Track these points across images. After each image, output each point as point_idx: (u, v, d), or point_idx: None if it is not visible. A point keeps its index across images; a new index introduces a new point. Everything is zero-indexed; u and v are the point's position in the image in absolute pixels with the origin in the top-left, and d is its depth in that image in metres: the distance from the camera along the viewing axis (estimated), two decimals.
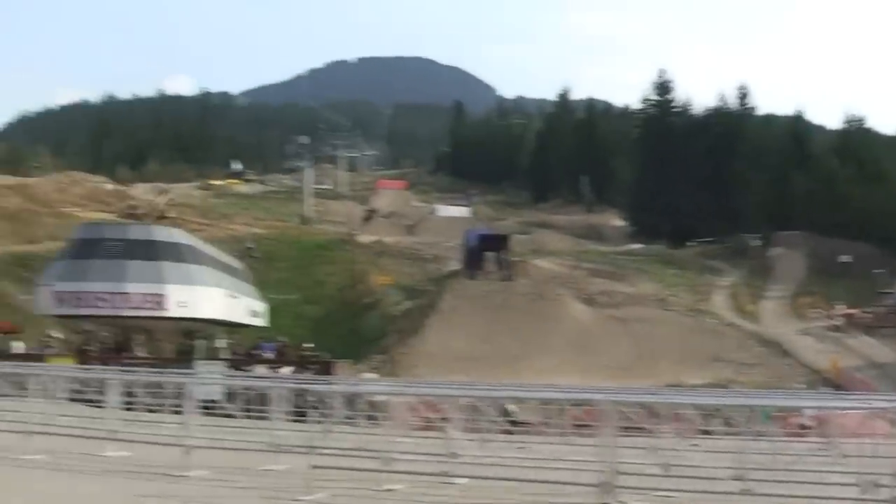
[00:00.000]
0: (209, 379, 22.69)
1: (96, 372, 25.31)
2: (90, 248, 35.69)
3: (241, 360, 35.21)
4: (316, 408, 17.15)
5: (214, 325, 38.78)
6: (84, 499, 10.25)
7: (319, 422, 15.91)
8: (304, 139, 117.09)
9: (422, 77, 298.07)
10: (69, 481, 11.38)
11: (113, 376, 19.83)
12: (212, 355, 35.79)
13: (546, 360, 42.64)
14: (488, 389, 20.45)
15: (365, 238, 74.38)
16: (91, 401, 20.24)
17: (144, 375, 22.44)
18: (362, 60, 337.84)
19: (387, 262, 66.48)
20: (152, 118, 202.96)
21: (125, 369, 25.40)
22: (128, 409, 17.49)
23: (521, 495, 11.36)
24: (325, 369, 33.46)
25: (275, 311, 48.62)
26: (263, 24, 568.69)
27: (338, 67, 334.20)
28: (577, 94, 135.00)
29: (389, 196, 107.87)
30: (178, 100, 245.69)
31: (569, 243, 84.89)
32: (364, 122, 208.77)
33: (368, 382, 27.05)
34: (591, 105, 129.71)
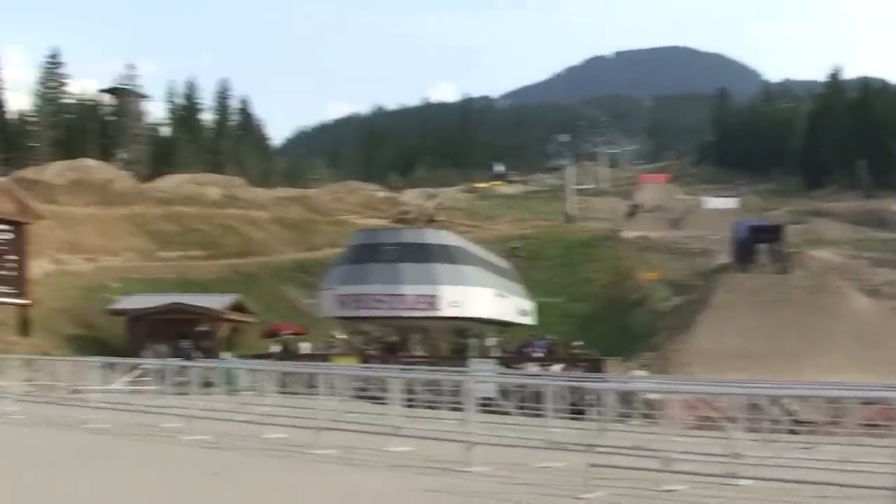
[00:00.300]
0: (485, 376, 23.11)
1: (377, 370, 26.54)
2: (367, 253, 37.45)
3: (512, 358, 35.68)
4: (591, 405, 17.12)
5: (485, 324, 39.55)
6: (373, 493, 10.69)
7: (595, 420, 15.86)
8: (565, 138, 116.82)
9: (681, 67, 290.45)
10: (358, 475, 11.94)
11: (394, 374, 20.71)
12: (484, 353, 36.52)
13: (828, 357, 40.30)
14: (771, 387, 19.63)
15: (629, 234, 73.35)
16: (374, 398, 21.22)
17: (423, 373, 23.25)
18: (619, 55, 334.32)
19: (652, 258, 65.24)
20: (418, 126, 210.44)
21: (404, 367, 26.42)
22: (408, 406, 18.13)
23: (807, 498, 10.78)
24: (595, 367, 33.29)
25: (542, 310, 48.96)
26: (520, 28, 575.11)
27: (595, 64, 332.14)
28: (849, 74, 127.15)
29: (653, 190, 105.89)
30: (441, 107, 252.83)
31: (847, 231, 79.88)
32: (624, 117, 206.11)
33: (642, 380, 26.63)
34: (866, 83, 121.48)
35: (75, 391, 22.85)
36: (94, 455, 13.33)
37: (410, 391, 19.13)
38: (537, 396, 20.05)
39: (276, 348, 36.56)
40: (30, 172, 61.22)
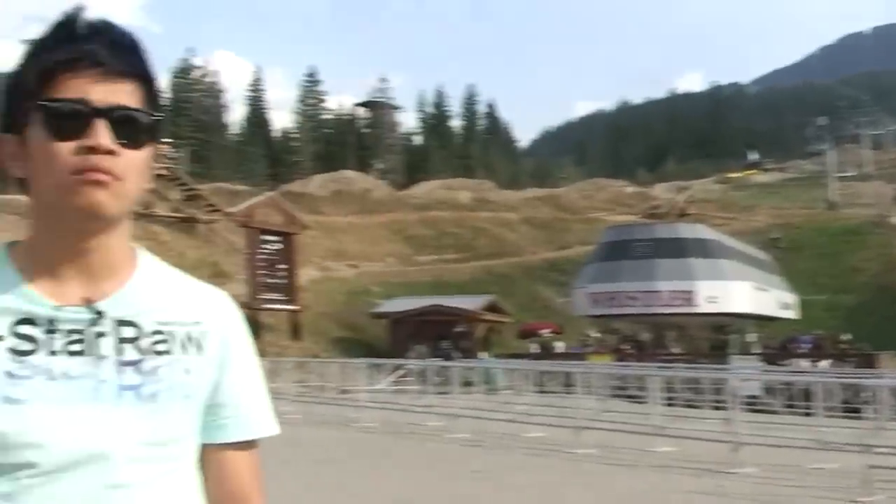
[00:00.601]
0: (748, 374, 22.28)
1: (634, 368, 26.18)
2: (619, 250, 37.09)
3: (776, 355, 34.19)
4: (866, 403, 16.09)
5: (744, 320, 38.19)
6: (639, 494, 10.52)
7: (870, 418, 14.90)
8: (823, 120, 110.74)
9: None
10: (622, 476, 11.77)
11: (652, 372, 20.34)
12: (744, 350, 35.24)
13: None
14: None
15: None
16: (632, 397, 20.93)
17: (683, 371, 22.71)
18: (877, 29, 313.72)
19: None
20: (666, 118, 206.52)
21: (662, 365, 25.92)
22: (668, 405, 17.75)
23: None
24: (867, 362, 31.31)
25: (805, 303, 46.66)
26: (768, 9, 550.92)
27: (851, 40, 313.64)
28: None
29: None
30: (689, 97, 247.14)
31: None
32: (885, 95, 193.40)
33: None
34: None
35: (343, 391, 24.02)
36: (365, 452, 13.90)
37: (670, 389, 18.72)
38: (806, 394, 19.13)
39: (534, 347, 36.86)
40: (295, 186, 65.01)
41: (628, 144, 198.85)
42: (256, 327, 34.72)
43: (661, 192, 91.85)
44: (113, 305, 1.33)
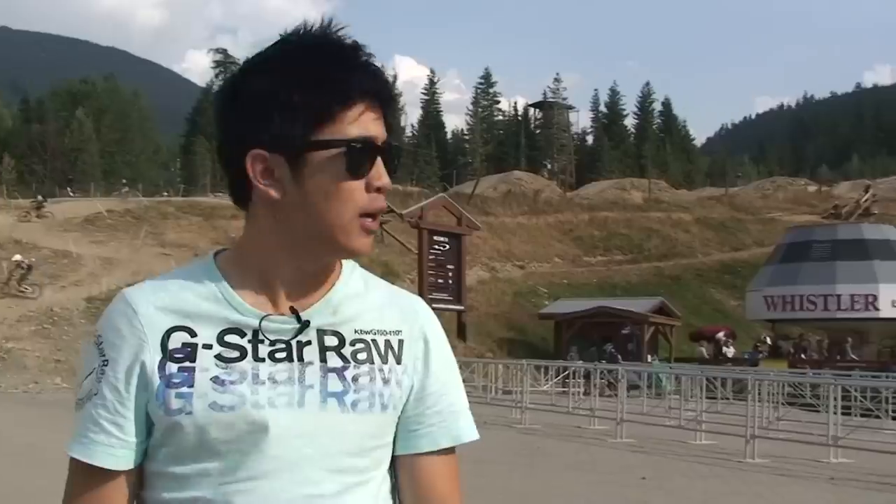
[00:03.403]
0: None
1: (806, 376, 25.14)
2: (799, 252, 35.78)
3: None
4: None
5: None
6: None
7: None
8: None
9: None
10: (794, 488, 11.32)
11: (826, 380, 19.47)
12: None
13: None
14: None
15: None
16: (808, 405, 20.09)
17: (860, 380, 21.66)
18: None
19: None
20: (852, 114, 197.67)
21: (839, 373, 24.81)
22: (845, 414, 16.94)
23: None
24: None
25: None
26: None
27: None
28: None
29: None
30: (877, 91, 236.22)
31: None
32: None
33: None
34: None
35: (506, 392, 24.08)
36: (528, 454, 13.89)
37: (846, 398, 17.87)
38: None
39: (705, 352, 35.94)
40: (466, 187, 65.61)
41: (810, 141, 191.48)
42: None
43: (845, 190, 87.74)
44: (317, 314, 1.36)
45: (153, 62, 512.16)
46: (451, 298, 35.52)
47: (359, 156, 1.29)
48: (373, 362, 1.36)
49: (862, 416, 18.34)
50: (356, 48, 1.32)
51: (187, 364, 1.29)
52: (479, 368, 25.59)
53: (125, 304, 1.33)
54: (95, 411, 1.30)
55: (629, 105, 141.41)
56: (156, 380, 1.29)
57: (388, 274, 34.86)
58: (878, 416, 17.16)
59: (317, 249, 1.34)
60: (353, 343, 1.36)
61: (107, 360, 1.31)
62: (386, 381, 1.37)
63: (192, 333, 1.31)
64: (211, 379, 1.28)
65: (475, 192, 58.82)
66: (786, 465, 13.16)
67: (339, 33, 1.32)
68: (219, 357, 1.30)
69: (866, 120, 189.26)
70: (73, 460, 1.33)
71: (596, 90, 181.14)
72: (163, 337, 1.30)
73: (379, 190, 1.31)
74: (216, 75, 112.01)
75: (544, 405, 20.46)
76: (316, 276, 1.37)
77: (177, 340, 1.30)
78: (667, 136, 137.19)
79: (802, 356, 33.92)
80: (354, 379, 1.34)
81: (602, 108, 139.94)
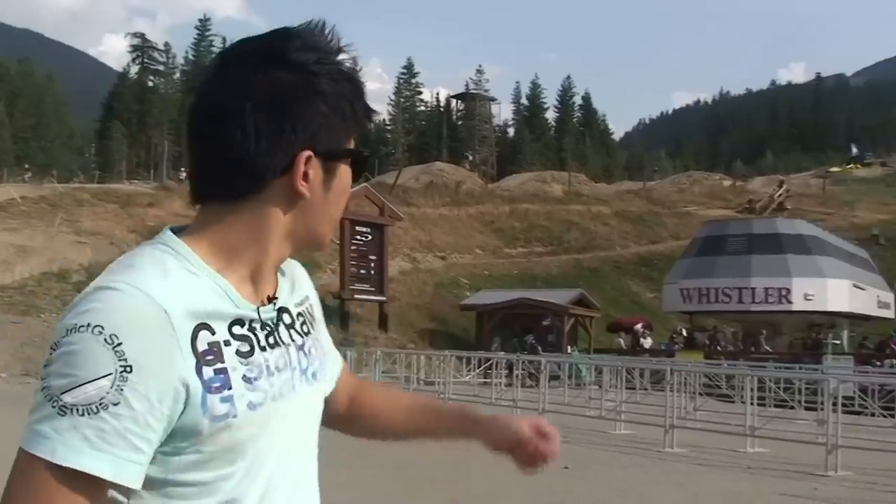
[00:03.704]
0: (841, 374, 21.67)
1: (723, 367, 25.69)
2: (714, 245, 36.50)
3: (872, 355, 33.18)
4: None
5: (841, 318, 37.21)
6: (733, 495, 10.28)
7: None
8: None
9: None
10: (713, 477, 11.55)
11: (742, 371, 19.93)
12: (838, 349, 34.33)
13: None
14: None
15: None
16: (724, 396, 20.53)
17: (777, 371, 22.21)
18: None
19: None
20: (766, 110, 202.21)
21: (754, 364, 25.40)
22: (760, 405, 17.35)
23: None
24: None
25: None
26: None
27: None
28: None
29: None
30: (791, 88, 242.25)
31: None
32: None
33: None
34: None
35: (428, 382, 24.12)
36: (452, 445, 13.86)
37: (761, 389, 18.31)
38: None
39: (622, 343, 36.49)
40: (388, 177, 65.48)
41: (726, 137, 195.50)
42: (346, 317, 35.15)
43: (759, 186, 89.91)
44: (280, 300, 1.39)
45: (68, 45, 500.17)
46: (373, 289, 35.41)
47: (363, 165, 1.40)
48: (311, 331, 1.44)
49: (776, 406, 18.80)
50: (357, 70, 1.40)
51: (220, 365, 1.23)
52: (401, 359, 25.56)
53: (148, 300, 1.18)
54: (121, 424, 1.14)
55: (550, 98, 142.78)
56: (197, 387, 1.20)
57: (309, 264, 34.45)
58: (791, 407, 17.59)
59: (307, 244, 1.38)
60: (298, 317, 1.42)
61: (130, 366, 1.14)
62: (319, 345, 1.46)
63: (212, 331, 1.24)
64: (242, 378, 1.25)
65: (397, 182, 58.74)
66: (704, 455, 13.42)
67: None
68: (238, 353, 1.26)
69: (780, 116, 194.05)
70: (62, 469, 1.13)
71: (517, 82, 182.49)
72: (192, 339, 1.21)
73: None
74: (133, 60, 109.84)
75: (467, 396, 20.52)
76: (279, 267, 1.42)
77: (203, 340, 1.22)
78: (586, 129, 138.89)
79: (718, 347, 34.63)
80: (309, 351, 1.40)
81: (523, 100, 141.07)
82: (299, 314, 1.43)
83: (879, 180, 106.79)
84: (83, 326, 1.15)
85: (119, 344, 1.14)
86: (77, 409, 1.13)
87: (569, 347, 34.71)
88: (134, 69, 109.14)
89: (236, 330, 1.28)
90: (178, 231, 1.33)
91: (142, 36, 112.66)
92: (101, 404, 1.13)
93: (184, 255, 1.28)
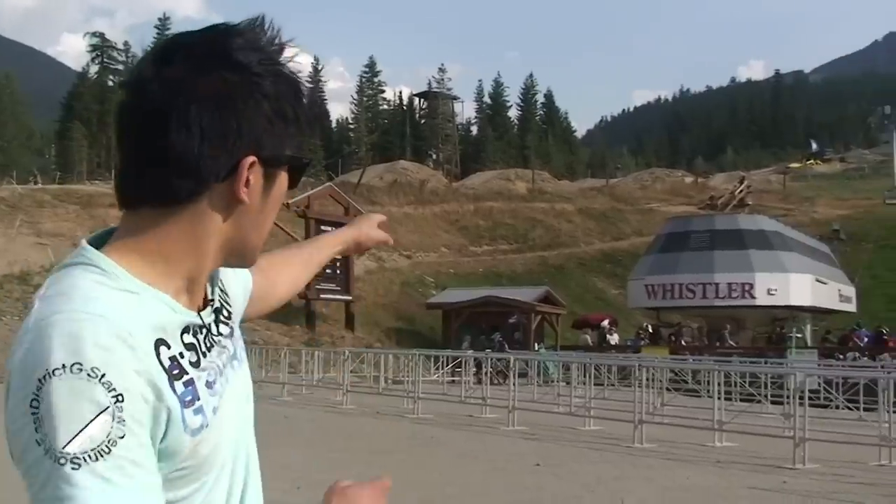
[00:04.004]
0: (806, 368, 21.90)
1: (691, 362, 25.89)
2: (678, 242, 36.75)
3: (835, 348, 33.60)
4: None
5: (803, 313, 37.62)
6: (703, 489, 10.37)
7: None
8: (887, 109, 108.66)
9: None
10: (682, 471, 11.64)
11: (709, 366, 20.10)
12: (802, 343, 34.72)
13: None
14: None
15: None
16: (690, 390, 20.70)
17: (743, 366, 22.41)
18: None
19: None
20: (726, 107, 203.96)
21: (719, 359, 25.61)
22: (727, 399, 17.51)
23: None
24: None
25: (865, 295, 45.83)
26: None
27: None
28: None
29: None
30: (750, 86, 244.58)
31: None
32: None
33: None
34: None
35: (396, 381, 24.09)
36: (422, 444, 13.92)
37: (727, 383, 18.49)
38: (867, 389, 18.76)
39: (588, 339, 36.63)
40: (352, 176, 65.32)
41: (686, 133, 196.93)
42: (312, 317, 35.02)
43: (720, 182, 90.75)
44: (212, 298, 1.37)
45: (25, 45, 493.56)
46: (338, 289, 35.32)
47: (301, 173, 1.33)
48: (230, 313, 1.41)
49: (742, 400, 18.97)
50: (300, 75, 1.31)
51: (186, 377, 1.19)
52: (369, 358, 25.50)
53: (109, 323, 1.11)
54: (133, 454, 1.08)
55: (513, 96, 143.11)
56: (175, 404, 1.15)
57: None
58: (759, 401, 17.76)
59: (237, 256, 1.31)
60: (223, 305, 1.40)
61: (121, 395, 1.08)
62: (235, 322, 1.43)
63: (168, 345, 1.18)
64: (205, 385, 1.22)
65: (361, 181, 58.61)
66: (673, 450, 13.53)
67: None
68: (191, 363, 1.22)
69: (740, 113, 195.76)
70: None
71: (480, 81, 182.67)
72: (155, 355, 1.15)
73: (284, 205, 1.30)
74: (92, 59, 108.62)
75: (436, 395, 20.53)
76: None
77: (165, 355, 1.17)
78: (549, 127, 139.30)
79: (683, 342, 34.88)
80: (231, 334, 1.38)
81: (486, 98, 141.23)
82: (221, 303, 1.39)
83: (838, 176, 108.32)
84: (58, 370, 1.06)
85: (104, 375, 1.07)
86: (89, 457, 1.05)
87: (536, 345, 34.82)
88: (93, 69, 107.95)
89: (186, 339, 1.23)
90: (100, 241, 1.24)
91: (101, 35, 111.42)
92: (109, 442, 1.06)
93: (113, 273, 1.19)
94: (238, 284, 1.52)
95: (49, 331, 1.08)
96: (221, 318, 1.37)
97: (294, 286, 1.86)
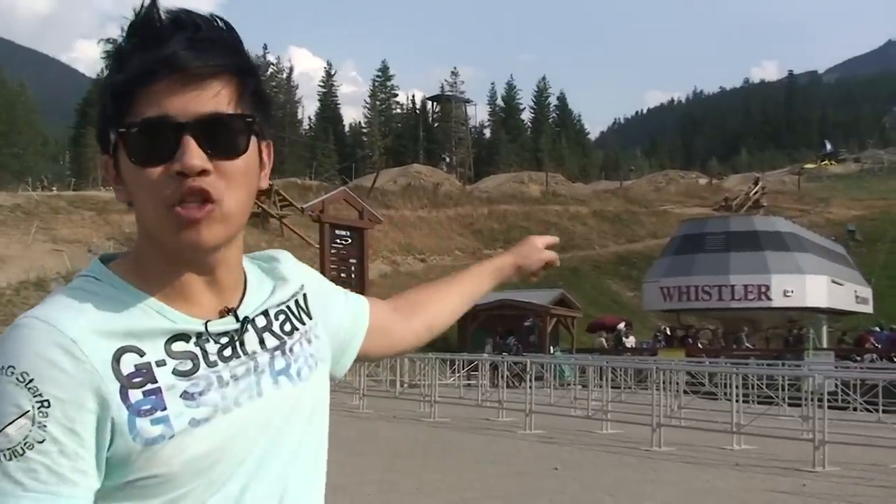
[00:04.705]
0: (825, 370, 21.81)
1: (708, 365, 25.80)
2: (693, 243, 36.63)
3: (852, 350, 33.43)
4: None
5: (820, 314, 37.45)
6: (724, 492, 10.32)
7: None
8: None
9: None
10: (703, 474, 11.60)
11: (725, 369, 20.03)
12: (818, 345, 34.56)
13: None
14: None
15: None
16: (707, 393, 20.63)
17: (761, 368, 22.33)
18: None
19: None
20: (740, 108, 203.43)
21: (736, 362, 25.52)
22: (744, 402, 17.46)
23: None
24: None
25: (881, 296, 45.58)
26: None
27: None
28: None
29: None
30: (764, 86, 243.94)
31: None
32: None
33: None
34: None
35: (412, 385, 24.08)
36: (440, 448, 13.91)
37: (745, 386, 18.42)
38: (886, 391, 18.69)
39: (604, 342, 36.55)
40: (365, 180, 65.38)
41: (700, 135, 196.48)
42: None
43: (735, 183, 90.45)
44: (247, 307, 1.33)
45: (39, 52, 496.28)
46: (354, 292, 35.33)
47: (138, 142, 1.17)
48: (297, 328, 1.38)
49: (759, 403, 18.91)
50: (145, 20, 1.21)
51: (150, 386, 1.17)
52: (385, 362, 25.51)
53: (52, 330, 1.13)
54: (50, 460, 1.10)
55: (525, 99, 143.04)
56: (121, 413, 1.14)
57: None
58: (777, 404, 17.69)
59: (167, 247, 1.23)
60: (277, 317, 1.36)
61: (47, 400, 1.10)
62: (310, 341, 1.40)
63: (141, 352, 1.18)
64: (181, 395, 1.19)
65: (375, 185, 58.68)
66: (691, 453, 13.49)
67: (152, 11, 1.21)
68: (176, 371, 1.20)
69: (754, 114, 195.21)
70: None
71: (493, 83, 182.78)
72: (112, 363, 1.15)
73: (183, 174, 1.16)
74: (106, 66, 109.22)
75: (452, 398, 20.52)
76: (231, 276, 1.31)
77: (128, 363, 1.16)
78: (562, 129, 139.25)
79: (700, 345, 34.77)
80: (291, 350, 1.34)
81: (499, 101, 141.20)
82: (280, 313, 1.37)
83: (853, 176, 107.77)
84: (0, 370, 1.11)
85: (31, 381, 1.10)
86: (4, 454, 1.09)
87: (551, 348, 34.76)
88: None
89: (178, 346, 1.21)
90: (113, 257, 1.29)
91: (114, 42, 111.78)
92: (25, 444, 1.09)
93: (106, 281, 1.23)
94: (344, 309, 1.57)
95: (8, 335, 1.14)
96: (272, 330, 1.34)
97: (438, 319, 1.78)
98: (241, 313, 1.31)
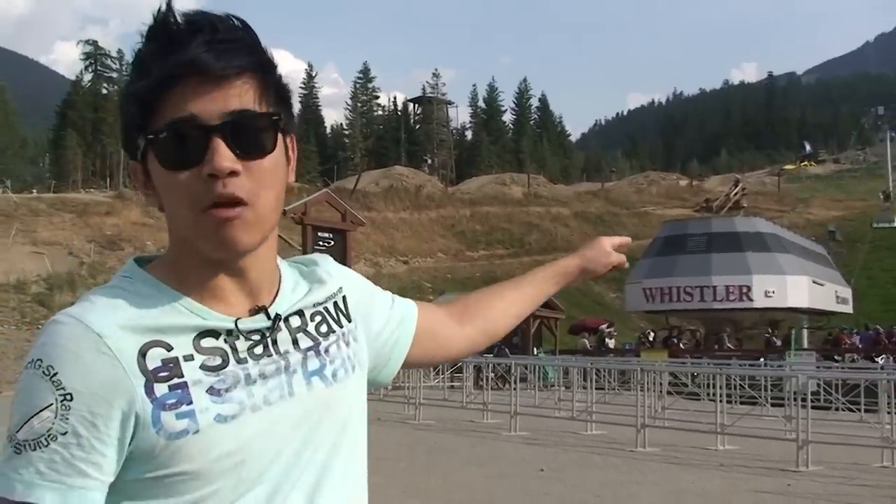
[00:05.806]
0: (807, 370, 21.94)
1: (690, 366, 25.90)
2: (675, 245, 36.77)
3: (832, 350, 33.64)
4: None
5: (800, 314, 37.68)
6: (709, 493, 10.37)
7: None
8: (880, 110, 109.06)
9: None
10: (687, 475, 11.64)
11: (709, 369, 20.11)
12: (799, 345, 34.76)
13: None
14: None
15: None
16: (690, 394, 20.70)
17: (743, 368, 22.43)
18: None
19: None
20: (720, 110, 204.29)
21: (718, 362, 25.62)
22: (727, 402, 17.53)
23: None
24: None
25: (861, 296, 45.93)
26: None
27: None
28: None
29: None
30: (743, 88, 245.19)
31: None
32: None
33: None
34: None
35: (396, 387, 24.02)
36: (425, 450, 13.90)
37: (728, 387, 18.49)
38: (868, 391, 18.79)
39: (586, 343, 36.60)
40: (348, 182, 65.34)
41: (680, 136, 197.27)
42: None
43: (715, 184, 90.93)
44: (279, 306, 1.33)
45: (18, 53, 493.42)
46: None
47: (164, 146, 1.19)
48: (334, 330, 1.38)
49: (742, 403, 18.99)
50: (163, 24, 1.20)
51: (177, 380, 1.18)
52: None
53: (81, 327, 1.16)
54: (68, 452, 1.12)
55: (507, 100, 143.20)
56: (145, 407, 1.15)
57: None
58: (760, 404, 17.78)
59: (199, 250, 1.24)
60: (312, 318, 1.36)
61: (70, 394, 1.13)
62: (348, 343, 1.39)
63: (168, 347, 1.19)
64: (207, 391, 1.19)
65: (357, 187, 58.62)
66: (675, 454, 13.52)
67: (169, 15, 1.21)
68: (203, 367, 1.21)
69: (734, 116, 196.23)
70: None
71: (474, 85, 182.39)
72: (138, 358, 1.17)
73: (213, 177, 1.17)
74: (86, 67, 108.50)
75: (437, 400, 20.51)
76: (266, 276, 1.32)
77: (155, 358, 1.18)
78: (543, 131, 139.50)
79: (682, 345, 34.88)
80: (326, 351, 1.34)
81: (480, 103, 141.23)
82: (316, 314, 1.37)
83: (832, 177, 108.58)
84: (30, 363, 1.15)
85: (55, 374, 1.13)
86: (28, 445, 1.13)
87: (535, 349, 34.77)
88: (87, 77, 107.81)
89: (207, 342, 1.22)
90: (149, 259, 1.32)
91: (94, 43, 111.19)
92: (49, 436, 1.12)
93: (139, 280, 1.25)
94: (389, 314, 1.56)
95: (43, 330, 1.18)
96: (306, 331, 1.34)
97: (496, 324, 1.74)
98: (273, 311, 1.31)
